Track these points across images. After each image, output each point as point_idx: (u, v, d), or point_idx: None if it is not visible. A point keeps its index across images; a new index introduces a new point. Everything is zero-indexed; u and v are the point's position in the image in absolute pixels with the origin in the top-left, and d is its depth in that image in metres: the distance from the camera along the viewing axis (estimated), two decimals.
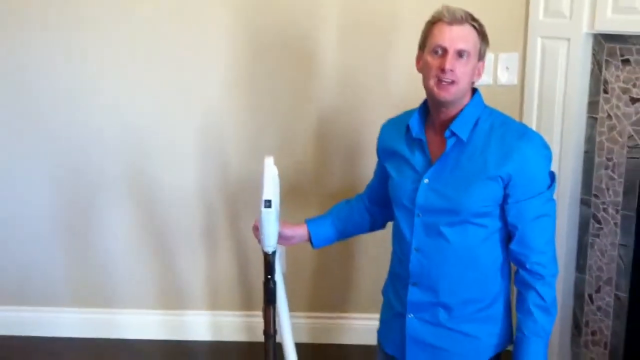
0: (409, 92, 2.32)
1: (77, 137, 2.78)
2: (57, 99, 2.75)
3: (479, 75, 1.81)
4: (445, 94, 1.74)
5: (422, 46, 1.81)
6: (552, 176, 1.80)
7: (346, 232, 2.10)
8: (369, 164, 2.32)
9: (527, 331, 1.77)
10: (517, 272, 1.82)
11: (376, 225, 2.11)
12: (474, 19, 1.76)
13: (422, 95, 1.84)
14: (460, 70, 1.72)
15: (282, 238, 1.94)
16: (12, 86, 2.75)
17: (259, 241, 1.91)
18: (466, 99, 1.80)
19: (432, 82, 1.75)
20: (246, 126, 2.74)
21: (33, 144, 2.81)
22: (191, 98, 2.73)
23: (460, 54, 1.72)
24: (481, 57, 1.79)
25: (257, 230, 1.92)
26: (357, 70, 2.64)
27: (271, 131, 2.73)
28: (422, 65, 1.80)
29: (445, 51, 1.72)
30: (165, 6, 2.63)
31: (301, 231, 2.02)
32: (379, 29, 2.59)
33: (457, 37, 1.72)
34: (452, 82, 1.73)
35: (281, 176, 1.85)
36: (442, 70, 1.72)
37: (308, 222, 2.05)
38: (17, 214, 2.89)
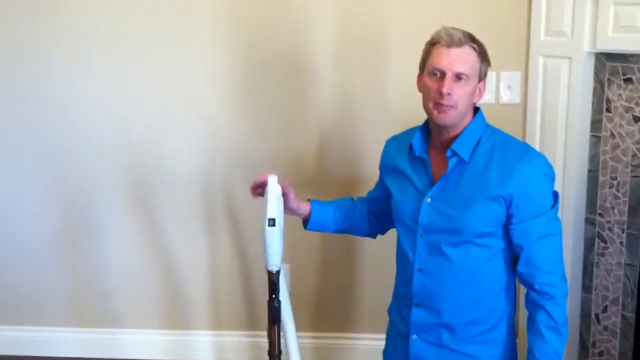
0: (404, 104, 2.33)
1: (71, 145, 2.77)
2: (50, 104, 2.74)
3: (480, 95, 1.81)
4: (444, 118, 1.74)
5: (422, 67, 1.81)
6: (555, 196, 1.79)
7: (343, 227, 2.10)
8: (368, 170, 2.33)
9: (538, 353, 1.75)
10: (527, 293, 1.81)
11: (370, 233, 2.11)
12: (473, 40, 1.76)
13: (418, 106, 1.84)
14: (458, 94, 1.72)
15: (287, 209, 1.95)
16: (5, 90, 2.75)
17: (253, 194, 1.91)
18: (467, 119, 1.80)
19: (430, 105, 1.76)
20: (243, 134, 2.73)
21: (27, 153, 2.80)
22: (188, 111, 2.72)
23: (458, 77, 1.73)
24: (482, 77, 1.80)
25: (255, 187, 1.92)
26: (352, 83, 2.65)
27: (269, 140, 2.73)
28: (421, 86, 1.81)
29: (443, 74, 1.73)
30: (165, 7, 2.64)
31: (304, 207, 2.03)
32: (372, 42, 2.60)
33: (455, 60, 1.72)
34: (450, 107, 1.73)
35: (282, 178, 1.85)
36: (440, 94, 1.72)
37: (313, 202, 2.05)
38: (11, 227, 2.87)
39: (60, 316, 2.95)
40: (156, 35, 2.66)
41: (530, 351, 1.77)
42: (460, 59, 1.73)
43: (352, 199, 2.12)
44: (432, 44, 1.78)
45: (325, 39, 2.61)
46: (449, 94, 1.71)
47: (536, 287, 1.76)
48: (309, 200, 2.06)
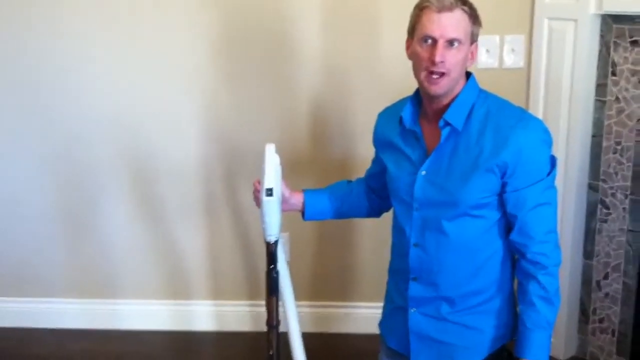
0: (397, 73, 2.26)
1: (72, 123, 2.75)
2: (51, 88, 2.72)
3: (473, 58, 1.75)
4: (437, 88, 1.68)
5: (411, 32, 1.73)
6: (552, 161, 1.74)
7: (341, 212, 2.05)
8: (364, 146, 2.29)
9: (529, 323, 1.73)
10: (518, 262, 1.77)
11: (372, 212, 2.07)
12: (464, 2, 1.68)
13: (410, 77, 1.77)
14: (451, 61, 1.66)
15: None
16: (5, 77, 2.72)
17: (257, 203, 1.87)
18: (459, 86, 1.74)
19: (422, 75, 1.69)
20: (236, 112, 2.71)
21: (28, 132, 2.78)
22: (183, 88, 2.70)
23: (450, 42, 1.66)
24: (474, 40, 1.72)
25: (257, 192, 1.88)
26: (342, 54, 2.60)
27: (260, 121, 2.70)
28: (411, 53, 1.73)
29: (434, 41, 1.66)
30: None
31: (297, 198, 1.98)
32: (362, 13, 2.55)
33: (447, 25, 1.65)
34: (443, 75, 1.67)
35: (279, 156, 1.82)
36: (432, 61, 1.65)
37: (306, 192, 2.00)
38: (13, 203, 2.86)
39: (61, 288, 2.94)
40: (136, 16, 2.63)
41: (521, 321, 1.74)
42: (452, 24, 1.65)
43: (348, 181, 2.08)
44: (421, 8, 1.69)
45: (311, 8, 2.56)
46: (442, 62, 1.65)
47: (528, 256, 1.73)
48: (302, 190, 2.01)
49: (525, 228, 1.71)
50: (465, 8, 1.68)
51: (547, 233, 1.73)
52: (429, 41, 1.67)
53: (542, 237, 1.72)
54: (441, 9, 1.65)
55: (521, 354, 1.73)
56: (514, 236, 1.73)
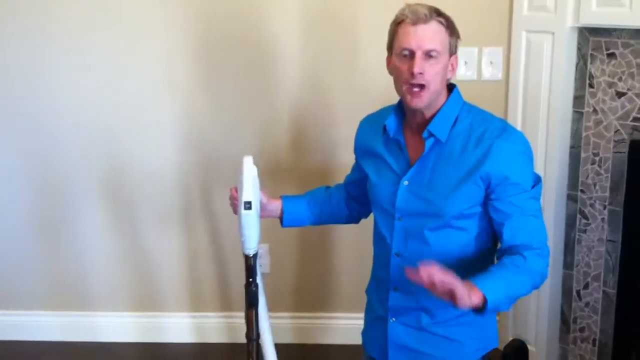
0: (376, 85, 2.28)
1: (47, 133, 2.73)
2: (25, 95, 2.70)
3: (453, 70, 1.75)
4: (418, 101, 1.69)
5: (390, 48, 1.75)
6: (536, 178, 1.75)
7: (320, 219, 2.04)
8: (344, 155, 2.29)
9: (480, 284, 1.56)
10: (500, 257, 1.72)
11: (351, 218, 2.06)
12: (439, 14, 1.69)
13: (390, 87, 1.77)
14: (430, 72, 1.67)
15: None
16: None
17: (234, 210, 1.85)
18: (442, 97, 1.75)
19: (404, 89, 1.70)
20: (215, 121, 2.71)
21: (5, 143, 2.75)
22: (161, 97, 2.69)
23: (428, 54, 1.66)
24: (453, 51, 1.73)
25: (234, 199, 1.86)
26: (322, 64, 2.61)
27: (239, 130, 2.70)
28: (391, 68, 1.75)
29: (412, 54, 1.67)
30: None
31: (275, 204, 1.97)
32: (341, 23, 2.56)
33: (423, 37, 1.66)
34: (423, 87, 1.67)
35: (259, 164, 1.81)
36: (412, 74, 1.66)
37: (284, 198, 1.99)
38: None
39: (36, 300, 2.91)
40: (115, 24, 2.62)
41: (476, 277, 1.56)
42: (428, 36, 1.66)
43: (327, 187, 2.07)
44: (397, 23, 1.70)
45: (290, 18, 2.57)
46: (420, 74, 1.66)
47: (517, 250, 1.67)
48: (280, 196, 2.00)
49: (511, 238, 1.70)
50: (441, 19, 1.69)
51: (537, 241, 1.70)
52: (407, 54, 1.67)
53: (531, 244, 1.69)
54: (416, 22, 1.66)
55: (474, 281, 1.56)
56: (504, 245, 1.71)
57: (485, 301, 1.53)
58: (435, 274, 1.49)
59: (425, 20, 1.66)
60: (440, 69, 1.69)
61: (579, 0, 2.23)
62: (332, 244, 2.80)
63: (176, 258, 2.85)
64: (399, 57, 1.69)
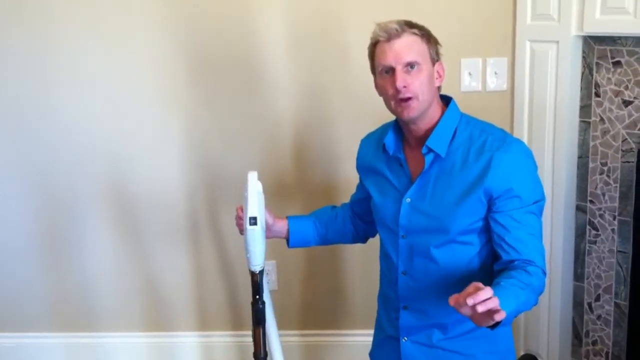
0: (375, 97, 2.24)
1: (51, 152, 2.72)
2: (29, 113, 2.69)
3: (441, 77, 1.75)
4: (409, 111, 1.69)
5: (373, 70, 1.76)
6: (539, 194, 1.72)
7: (327, 238, 2.03)
8: (348, 168, 2.27)
9: (503, 282, 1.57)
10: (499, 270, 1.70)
11: (358, 237, 2.05)
12: (411, 26, 1.70)
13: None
14: (414, 83, 1.67)
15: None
16: None
17: (240, 231, 1.84)
18: (438, 110, 1.74)
19: (393, 105, 1.71)
20: (218, 138, 2.69)
21: (11, 161, 2.74)
22: (164, 114, 2.68)
23: (409, 66, 1.67)
24: (435, 59, 1.73)
25: (240, 219, 1.85)
26: (321, 79, 2.60)
27: (247, 142, 2.68)
28: (379, 90, 1.76)
29: (392, 70, 1.68)
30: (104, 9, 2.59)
31: (281, 225, 1.97)
32: (330, 40, 2.56)
33: (399, 51, 1.67)
34: (411, 98, 1.67)
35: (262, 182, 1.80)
36: (396, 89, 1.66)
37: (290, 218, 1.99)
38: None
39: (42, 321, 2.89)
40: (117, 41, 2.62)
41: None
42: (403, 49, 1.67)
43: (332, 207, 2.06)
44: (373, 45, 1.73)
45: (277, 36, 2.57)
46: (405, 87, 1.66)
47: (516, 263, 1.66)
48: (287, 217, 2.00)
49: (513, 251, 1.68)
50: (414, 30, 1.69)
51: (538, 259, 1.69)
52: (389, 72, 1.68)
53: (531, 259, 1.68)
54: (389, 38, 1.67)
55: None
56: (504, 257, 1.69)
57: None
58: (481, 295, 1.40)
59: (397, 34, 1.67)
60: (425, 78, 1.69)
61: (582, 8, 2.22)
62: (340, 259, 2.78)
63: (183, 276, 2.83)
64: (382, 76, 1.71)
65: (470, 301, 1.38)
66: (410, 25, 1.69)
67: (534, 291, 1.63)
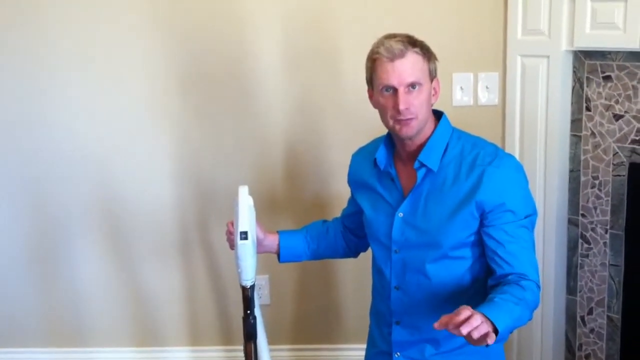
0: (366, 110, 2.25)
1: (39, 166, 2.71)
2: (19, 129, 2.69)
3: (436, 95, 1.75)
4: (407, 130, 1.68)
5: (370, 82, 1.74)
6: (531, 208, 1.73)
7: (318, 253, 2.02)
8: (340, 182, 2.27)
9: (497, 298, 1.56)
10: (492, 286, 1.69)
11: (350, 252, 2.04)
12: (414, 44, 1.68)
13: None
14: (415, 104, 1.66)
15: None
16: None
17: (231, 246, 1.82)
18: (431, 125, 1.74)
19: (391, 122, 1.70)
20: (209, 152, 2.69)
21: (1, 175, 2.73)
22: (155, 129, 2.68)
23: (411, 86, 1.66)
24: (433, 75, 1.73)
25: (231, 234, 1.84)
26: (312, 93, 2.61)
27: (238, 157, 2.68)
28: (375, 103, 1.74)
29: (395, 90, 1.66)
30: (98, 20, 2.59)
31: (272, 239, 1.95)
32: (322, 57, 2.56)
33: (402, 72, 1.65)
34: (412, 119, 1.67)
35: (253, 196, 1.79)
36: (398, 110, 1.65)
37: (280, 233, 1.98)
38: None
39: (34, 337, 2.87)
40: (109, 56, 2.62)
41: (485, 308, 1.51)
42: (407, 70, 1.65)
43: (324, 221, 2.06)
44: (372, 60, 1.69)
45: (270, 53, 2.57)
46: (407, 108, 1.65)
47: (510, 277, 1.66)
48: (277, 231, 1.99)
49: (506, 266, 1.68)
50: (416, 49, 1.67)
51: (531, 273, 1.69)
52: (390, 90, 1.67)
53: (525, 272, 1.68)
54: (393, 58, 1.65)
55: (484, 311, 1.49)
56: (498, 272, 1.69)
57: (495, 332, 1.48)
58: (474, 322, 1.40)
59: (401, 54, 1.65)
60: (425, 98, 1.69)
61: (572, 23, 2.24)
62: (333, 273, 2.77)
63: (174, 291, 2.82)
64: (382, 93, 1.69)
65: (464, 330, 1.38)
66: (412, 43, 1.67)
67: (528, 306, 1.62)
